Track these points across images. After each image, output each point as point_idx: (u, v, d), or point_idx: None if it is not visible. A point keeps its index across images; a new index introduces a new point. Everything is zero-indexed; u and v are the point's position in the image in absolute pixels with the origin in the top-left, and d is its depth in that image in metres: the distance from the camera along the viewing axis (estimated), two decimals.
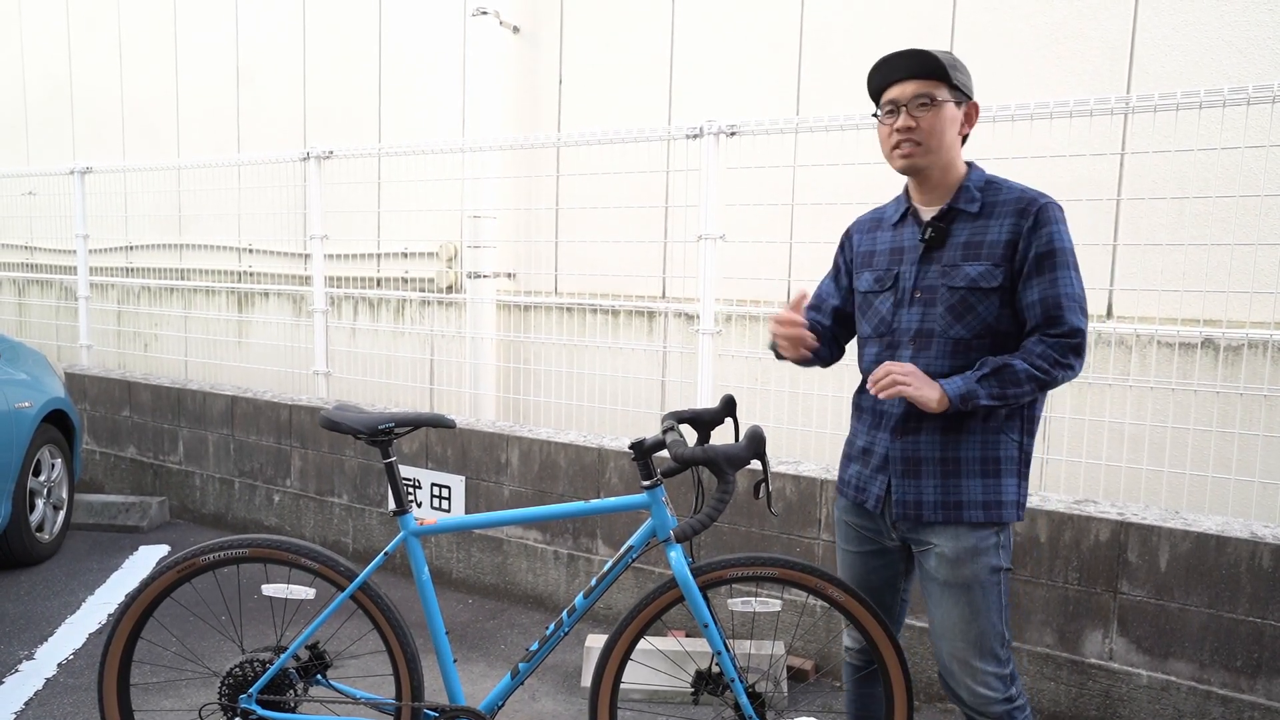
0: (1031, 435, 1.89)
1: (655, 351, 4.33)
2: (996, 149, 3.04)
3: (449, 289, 5.14)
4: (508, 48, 4.98)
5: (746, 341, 3.84)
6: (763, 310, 3.82)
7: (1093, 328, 3.25)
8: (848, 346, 2.18)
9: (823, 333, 2.07)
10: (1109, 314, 3.57)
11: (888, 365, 1.78)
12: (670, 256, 4.47)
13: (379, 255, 5.53)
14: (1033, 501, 2.79)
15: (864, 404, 2.01)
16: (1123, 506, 2.75)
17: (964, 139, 1.89)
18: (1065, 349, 1.77)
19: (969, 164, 1.91)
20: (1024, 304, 1.81)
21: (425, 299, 5.10)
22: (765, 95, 4.36)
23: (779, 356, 2.05)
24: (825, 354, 2.10)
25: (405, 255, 5.39)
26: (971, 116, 1.89)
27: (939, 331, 1.85)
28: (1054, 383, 1.78)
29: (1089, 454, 3.07)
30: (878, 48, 4.00)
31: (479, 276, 4.69)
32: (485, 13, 4.78)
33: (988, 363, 1.78)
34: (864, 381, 2.02)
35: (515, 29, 4.99)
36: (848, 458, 2.06)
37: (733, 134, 3.43)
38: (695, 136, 3.48)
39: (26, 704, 2.86)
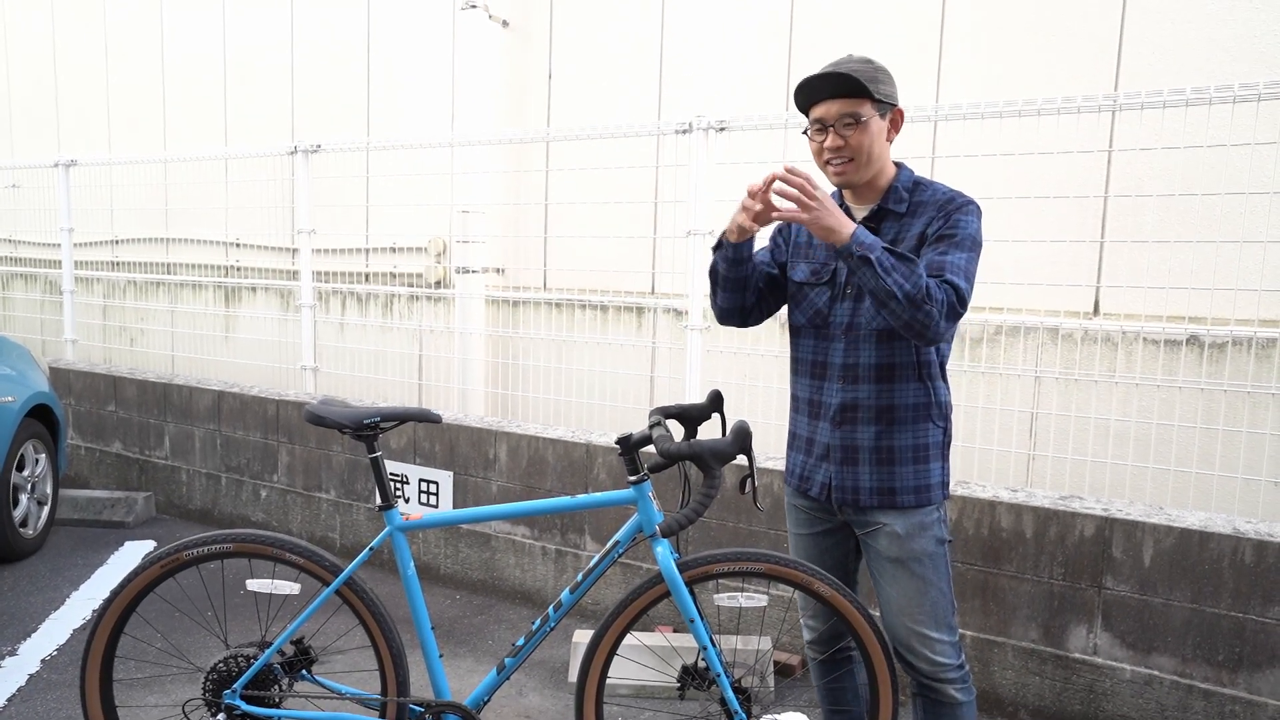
0: (949, 420, 2.04)
1: (644, 347, 4.33)
2: (984, 145, 3.05)
3: (437, 284, 5.12)
4: (497, 42, 4.96)
5: (735, 338, 3.83)
6: None
7: (1079, 324, 3.27)
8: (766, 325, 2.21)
9: (753, 291, 2.07)
10: (1095, 311, 3.58)
11: (806, 182, 1.72)
12: (659, 252, 4.46)
13: (367, 250, 5.51)
14: (1018, 497, 2.80)
15: (801, 395, 2.10)
16: (1108, 502, 2.77)
17: (891, 141, 1.97)
18: (947, 294, 1.76)
19: (898, 165, 2.00)
20: None
21: (414, 294, 5.08)
22: (755, 90, 4.35)
23: (714, 270, 2.03)
24: (751, 301, 2.08)
25: (394, 250, 5.37)
26: (897, 122, 1.96)
27: (864, 324, 1.95)
28: (922, 306, 1.74)
29: (1075, 450, 3.08)
30: (868, 42, 4.02)
31: (468, 271, 4.68)
32: (474, 6, 4.76)
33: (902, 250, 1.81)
34: (799, 373, 2.10)
35: (504, 23, 4.97)
36: (791, 448, 2.15)
37: (722, 129, 3.43)
38: (684, 132, 3.48)
39: (9, 700, 2.83)
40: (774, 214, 1.83)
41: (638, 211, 4.47)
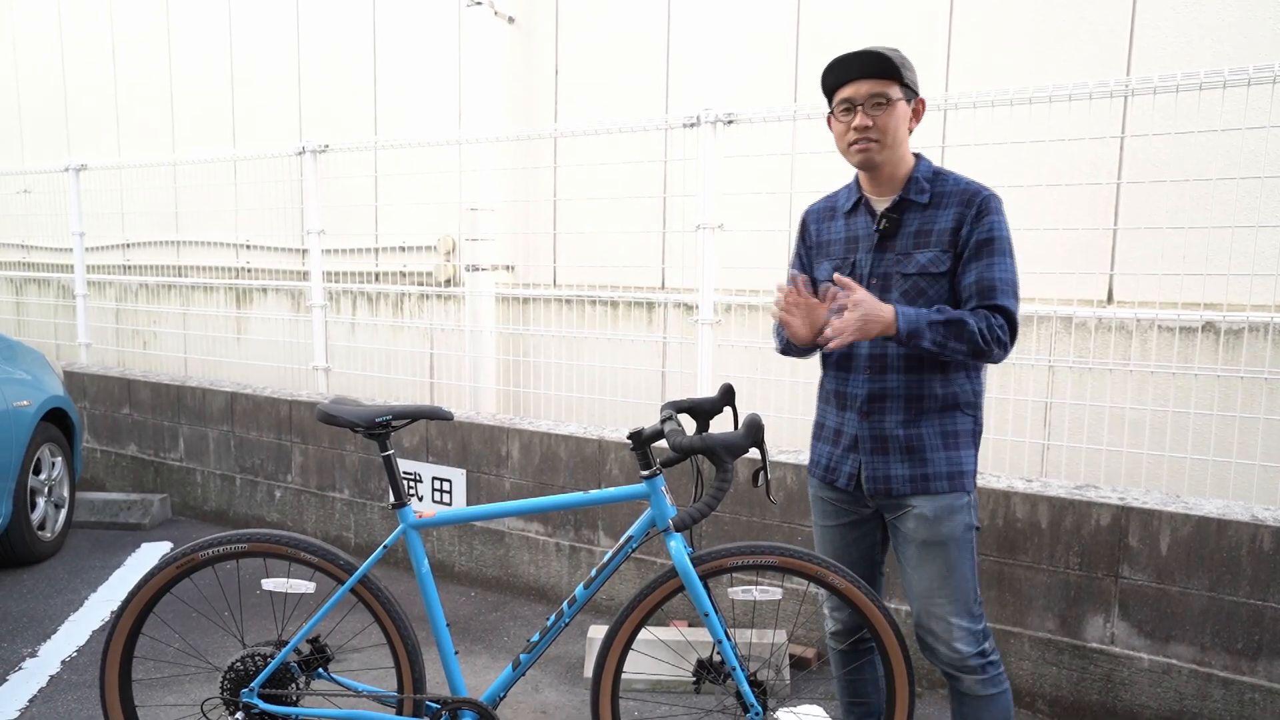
0: (981, 409, 2.05)
1: (655, 342, 4.32)
2: (997, 134, 3.03)
3: (447, 282, 5.13)
4: (503, 39, 4.96)
5: (746, 331, 3.83)
6: (762, 300, 3.81)
7: (1093, 312, 3.24)
8: None
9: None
10: (1109, 299, 3.55)
11: (835, 325, 1.83)
12: (669, 246, 4.46)
13: (377, 249, 5.52)
14: (1034, 487, 2.79)
15: (829, 387, 2.12)
16: (1124, 491, 2.75)
17: (911, 132, 2.00)
18: (1003, 326, 1.89)
19: (916, 156, 2.02)
20: (961, 285, 1.94)
21: (424, 293, 5.09)
22: (763, 83, 4.33)
23: (787, 350, 2.12)
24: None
25: (403, 249, 5.38)
26: (919, 111, 2.00)
27: None
28: (985, 354, 1.89)
29: (1090, 439, 3.06)
30: (875, 33, 4.00)
31: (477, 269, 4.68)
32: (480, 3, 4.75)
33: (945, 311, 1.88)
34: (827, 366, 2.13)
35: (510, 19, 4.97)
36: (817, 439, 2.17)
37: (730, 122, 3.41)
38: (692, 125, 3.46)
39: (31, 701, 2.86)
40: (828, 344, 1.86)
41: (646, 206, 4.46)
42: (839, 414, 2.08)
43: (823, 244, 2.12)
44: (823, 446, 2.13)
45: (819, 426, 2.17)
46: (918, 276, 1.95)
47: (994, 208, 1.92)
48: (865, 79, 1.90)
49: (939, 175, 1.99)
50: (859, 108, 1.91)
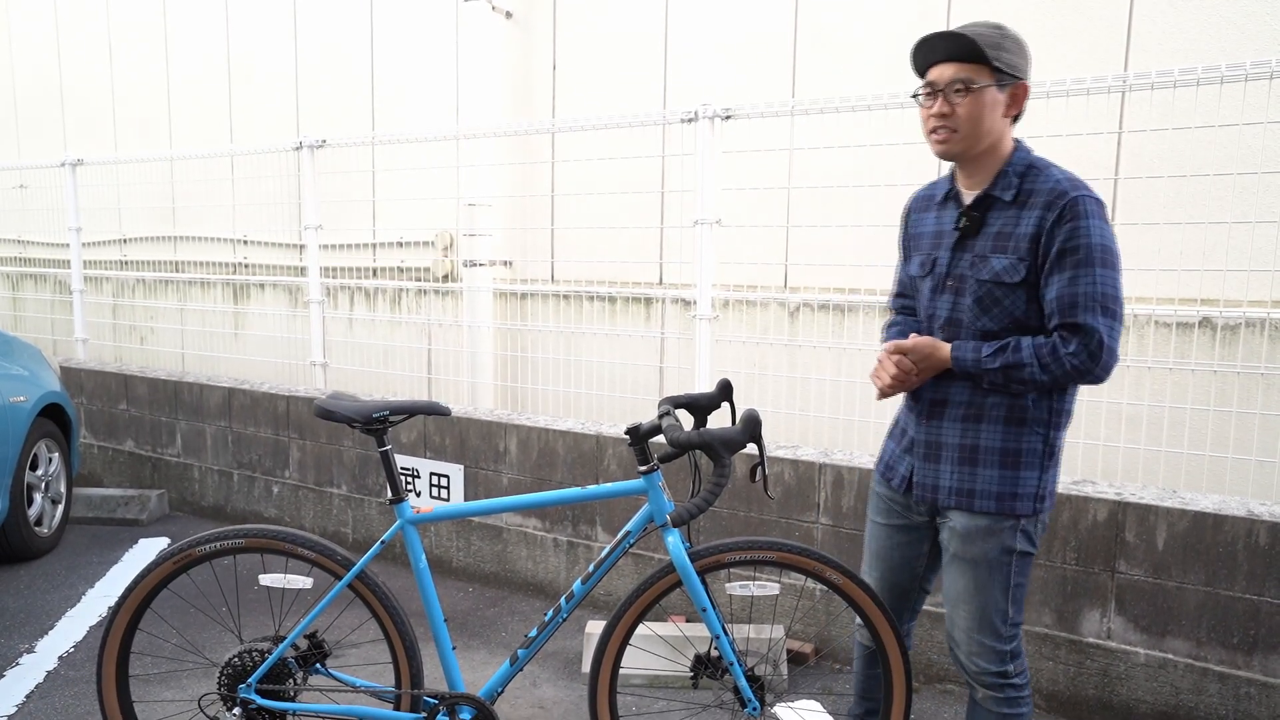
0: (1059, 428, 1.87)
1: (653, 338, 4.32)
2: None
3: (445, 278, 5.13)
4: (500, 34, 4.94)
5: (744, 327, 3.83)
6: (760, 295, 3.81)
7: None
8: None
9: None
10: None
11: (895, 372, 1.89)
12: (667, 242, 4.45)
13: (374, 245, 5.52)
14: None
15: None
16: (1120, 486, 2.75)
17: (1016, 118, 1.83)
18: (1077, 352, 1.73)
19: (1016, 144, 1.85)
20: (1044, 299, 1.78)
21: (422, 288, 5.09)
22: (761, 78, 4.33)
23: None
24: None
25: (401, 245, 5.38)
26: (1019, 97, 1.81)
27: (967, 322, 1.86)
28: (1062, 385, 1.82)
29: (1087, 434, 3.07)
30: (874, 28, 3.99)
31: (475, 265, 4.68)
32: None
33: (1007, 350, 1.79)
34: None
35: (508, 14, 4.96)
36: (889, 435, 2.12)
37: (728, 117, 3.41)
38: (690, 120, 3.46)
39: (28, 696, 2.86)
40: (890, 389, 1.94)
41: (644, 202, 4.46)
42: (907, 414, 2.02)
43: (915, 237, 2.00)
44: (889, 443, 2.09)
45: (895, 422, 2.10)
46: (992, 284, 1.80)
47: (1082, 211, 1.71)
48: (949, 62, 1.75)
49: (1031, 169, 1.80)
50: (940, 93, 1.77)
